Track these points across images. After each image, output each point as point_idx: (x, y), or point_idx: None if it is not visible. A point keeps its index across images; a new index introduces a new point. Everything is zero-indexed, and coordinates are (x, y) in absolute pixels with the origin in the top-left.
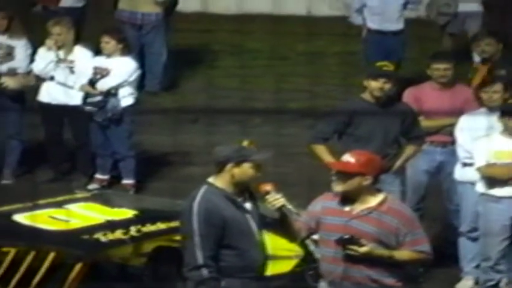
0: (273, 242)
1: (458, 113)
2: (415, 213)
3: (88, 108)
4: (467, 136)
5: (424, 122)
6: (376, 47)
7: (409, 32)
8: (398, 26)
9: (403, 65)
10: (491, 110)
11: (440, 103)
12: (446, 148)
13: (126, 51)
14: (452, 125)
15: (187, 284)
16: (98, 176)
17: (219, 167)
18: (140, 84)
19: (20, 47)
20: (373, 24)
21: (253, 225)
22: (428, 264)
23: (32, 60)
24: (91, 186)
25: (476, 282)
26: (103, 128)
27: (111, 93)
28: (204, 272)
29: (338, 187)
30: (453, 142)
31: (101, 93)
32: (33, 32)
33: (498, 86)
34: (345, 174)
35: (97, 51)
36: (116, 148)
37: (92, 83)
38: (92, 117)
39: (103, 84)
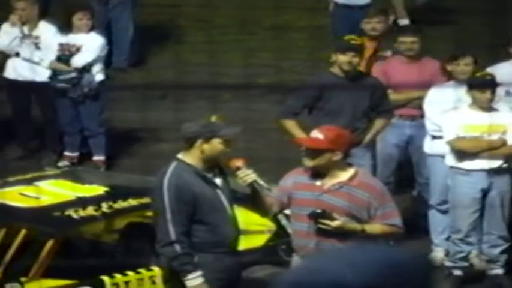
0: (245, 217)
1: (426, 86)
2: (385, 187)
3: (61, 85)
4: (436, 109)
5: (392, 96)
6: (344, 21)
7: (377, 6)
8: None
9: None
10: (459, 83)
11: (408, 76)
12: (415, 122)
13: (93, 27)
14: (420, 98)
15: (160, 260)
16: (67, 153)
17: (189, 143)
18: (107, 61)
19: None
20: None
21: (224, 201)
22: (399, 237)
23: None
24: (61, 164)
25: (447, 254)
26: (75, 104)
27: (85, 69)
28: (177, 247)
29: (308, 163)
30: (422, 115)
31: (76, 69)
32: None
33: (469, 59)
34: (315, 151)
35: (62, 27)
36: (86, 125)
37: (62, 59)
38: (64, 94)
39: (77, 61)
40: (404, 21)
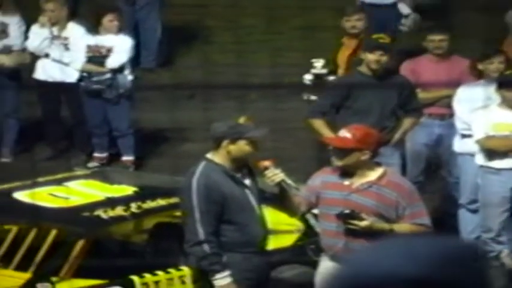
0: (274, 217)
1: (455, 84)
2: (414, 186)
3: (95, 86)
4: (465, 107)
5: (421, 94)
6: (372, 20)
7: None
8: None
9: (399, 38)
10: (489, 81)
11: (437, 75)
12: (444, 121)
13: (122, 28)
14: (449, 97)
15: (189, 260)
16: (97, 154)
17: (216, 144)
18: (135, 61)
19: (14, 24)
20: None
21: (253, 201)
22: None
23: (25, 37)
24: (90, 164)
25: None
26: (106, 105)
27: (118, 70)
28: (206, 247)
29: (337, 162)
30: (451, 114)
31: (111, 70)
32: (25, 9)
33: (501, 57)
34: (343, 150)
35: (90, 28)
36: (115, 125)
37: (93, 61)
38: (98, 95)
39: (112, 62)
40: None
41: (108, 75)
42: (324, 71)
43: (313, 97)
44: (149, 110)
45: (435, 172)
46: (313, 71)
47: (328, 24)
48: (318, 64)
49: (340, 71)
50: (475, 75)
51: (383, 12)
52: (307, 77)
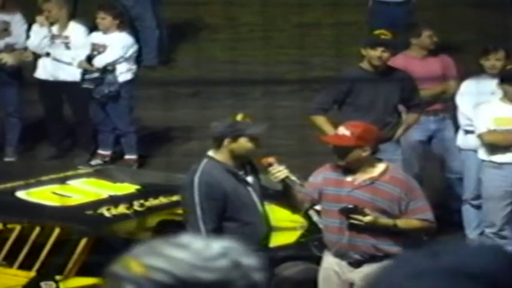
0: (277, 214)
1: (439, 80)
2: (416, 182)
3: (86, 85)
4: (469, 103)
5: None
6: (382, 18)
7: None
8: None
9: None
10: (490, 77)
11: (421, 71)
12: (438, 116)
13: (122, 26)
14: (443, 93)
15: None
16: (100, 151)
17: (217, 143)
18: (138, 59)
19: (16, 22)
20: None
21: (255, 198)
22: (432, 232)
23: (27, 36)
24: (93, 162)
25: None
26: (102, 104)
27: (108, 69)
28: None
29: (340, 162)
30: (444, 110)
31: (98, 69)
32: (26, 8)
33: (501, 54)
34: (343, 148)
35: (93, 27)
36: (116, 124)
37: (90, 59)
38: (90, 93)
39: (99, 61)
40: None
41: (97, 74)
42: None
43: None
44: (153, 108)
45: (432, 168)
46: None
47: (328, 21)
48: None
49: None
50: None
51: (394, 10)
52: None
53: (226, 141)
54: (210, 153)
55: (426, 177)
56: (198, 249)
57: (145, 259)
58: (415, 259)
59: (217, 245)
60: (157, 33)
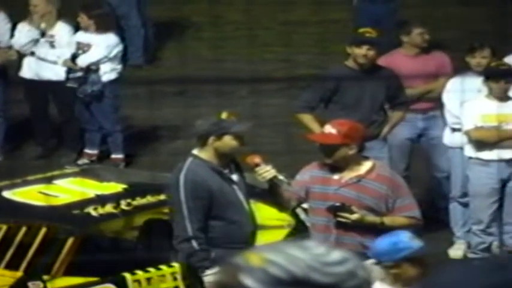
0: (264, 212)
1: (432, 78)
2: (403, 179)
3: (70, 84)
4: (456, 101)
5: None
6: (367, 15)
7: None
8: None
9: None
10: (476, 74)
11: (412, 69)
12: (426, 114)
13: (102, 26)
14: (432, 91)
15: (178, 256)
16: (87, 150)
17: (202, 141)
18: (124, 58)
19: None
20: None
21: (241, 196)
22: (418, 229)
23: (12, 35)
24: (80, 161)
25: (469, 246)
26: (87, 103)
27: (91, 69)
28: (194, 243)
29: (327, 160)
30: (433, 108)
31: (82, 69)
32: (11, 7)
33: (487, 51)
34: (329, 146)
35: (78, 26)
36: (101, 123)
37: (74, 58)
38: (75, 93)
39: (83, 60)
40: None
41: (80, 73)
42: None
43: None
44: (139, 107)
45: (420, 166)
46: None
47: (313, 19)
48: None
49: None
50: (464, 68)
51: (379, 8)
52: None
53: (211, 140)
54: (195, 151)
55: (414, 175)
56: (319, 253)
57: (266, 253)
58: (484, 272)
59: (337, 254)
60: (143, 32)
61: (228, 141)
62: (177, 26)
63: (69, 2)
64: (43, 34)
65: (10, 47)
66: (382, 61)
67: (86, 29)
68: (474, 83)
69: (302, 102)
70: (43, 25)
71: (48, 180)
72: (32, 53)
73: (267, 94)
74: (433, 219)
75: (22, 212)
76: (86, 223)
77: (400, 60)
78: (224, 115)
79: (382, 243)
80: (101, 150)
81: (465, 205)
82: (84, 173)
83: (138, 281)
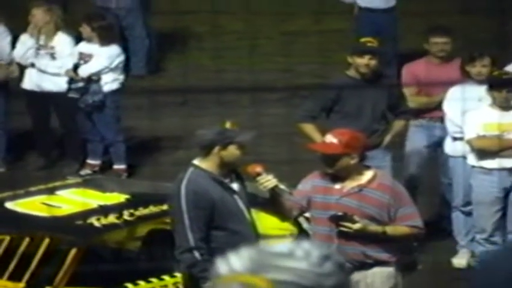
0: (266, 222)
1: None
2: (405, 188)
3: (71, 94)
4: (457, 110)
5: (424, 99)
6: (368, 25)
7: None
8: (389, 3)
9: (397, 42)
10: (476, 83)
11: (438, 78)
12: (444, 123)
13: (105, 38)
14: (434, 102)
15: (180, 266)
16: (90, 161)
17: (205, 151)
18: (126, 68)
19: None
20: (363, 2)
21: (242, 206)
22: (421, 238)
23: (12, 47)
24: (83, 172)
25: (472, 255)
26: (88, 114)
27: (93, 79)
28: (196, 254)
29: (328, 170)
30: None
31: (83, 79)
32: (11, 20)
33: (487, 60)
34: (331, 156)
35: (80, 37)
36: (103, 133)
37: (76, 68)
38: (76, 103)
39: (85, 70)
40: None
41: (81, 84)
42: None
43: None
44: (141, 117)
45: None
46: None
47: (316, 28)
48: None
49: None
50: (465, 77)
51: (379, 17)
52: None
53: (216, 149)
54: (196, 161)
55: (429, 183)
56: (310, 258)
57: (266, 274)
58: None
59: (316, 251)
60: (147, 43)
61: (233, 151)
62: (178, 37)
63: (71, 11)
64: (42, 46)
65: (11, 62)
66: (406, 69)
67: (89, 40)
68: (474, 92)
69: (303, 112)
70: (42, 37)
71: (51, 191)
72: (32, 65)
73: (268, 104)
74: (438, 228)
75: (25, 223)
76: (89, 234)
77: (428, 68)
78: (228, 125)
79: None
80: (103, 160)
81: (467, 214)
82: (87, 183)
83: None
